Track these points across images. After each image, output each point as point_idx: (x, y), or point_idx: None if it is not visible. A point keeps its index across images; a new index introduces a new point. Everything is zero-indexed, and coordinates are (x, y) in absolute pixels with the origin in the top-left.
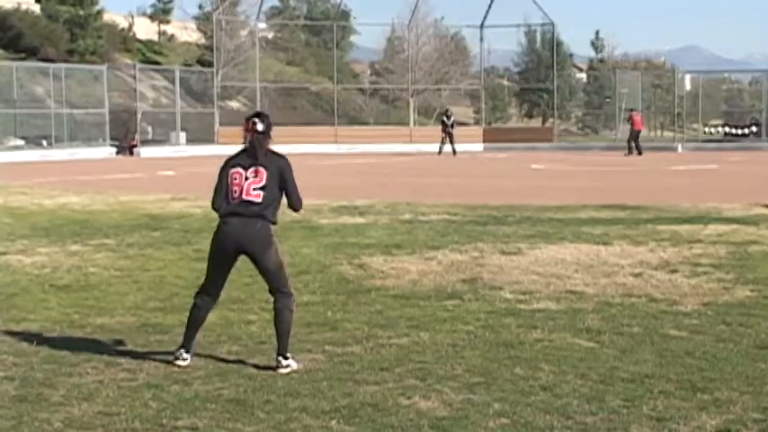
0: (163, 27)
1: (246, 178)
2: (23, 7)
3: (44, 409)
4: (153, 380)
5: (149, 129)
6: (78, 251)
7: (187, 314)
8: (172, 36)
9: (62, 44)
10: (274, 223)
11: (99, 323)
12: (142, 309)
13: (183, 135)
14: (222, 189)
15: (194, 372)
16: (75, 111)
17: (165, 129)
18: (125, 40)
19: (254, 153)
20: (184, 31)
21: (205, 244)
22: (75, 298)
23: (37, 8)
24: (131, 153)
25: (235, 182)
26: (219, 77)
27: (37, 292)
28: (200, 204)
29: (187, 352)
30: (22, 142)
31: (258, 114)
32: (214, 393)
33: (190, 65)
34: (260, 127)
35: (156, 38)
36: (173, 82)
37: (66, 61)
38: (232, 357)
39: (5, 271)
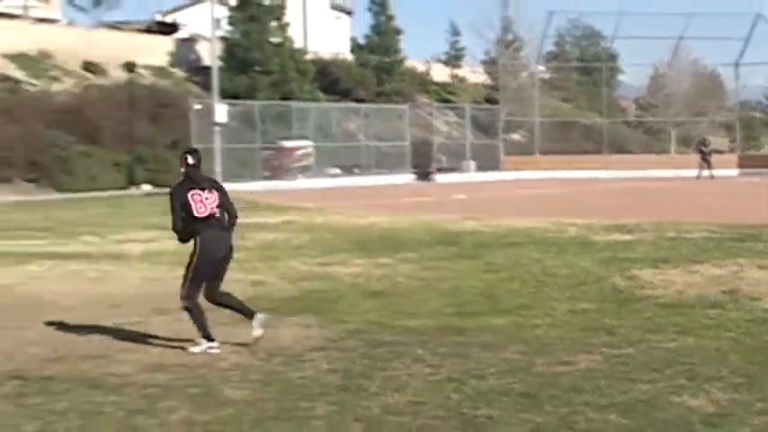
0: (455, 71)
1: (207, 198)
2: (340, 57)
3: (363, 397)
4: (453, 374)
5: (443, 158)
6: (387, 263)
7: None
8: (463, 78)
9: (371, 87)
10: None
11: (406, 325)
12: (441, 313)
13: (472, 163)
14: (177, 212)
15: (488, 368)
16: (381, 143)
17: (457, 158)
18: (423, 83)
19: (199, 179)
20: (473, 74)
21: (495, 257)
22: (385, 303)
23: (351, 57)
24: (428, 179)
25: (198, 201)
26: (504, 113)
27: (354, 298)
28: (489, 224)
29: (212, 340)
30: (338, 170)
31: (189, 151)
32: (507, 387)
33: (478, 102)
34: (191, 161)
35: (449, 80)
36: (463, 117)
37: (374, 102)
38: (520, 356)
39: (328, 279)
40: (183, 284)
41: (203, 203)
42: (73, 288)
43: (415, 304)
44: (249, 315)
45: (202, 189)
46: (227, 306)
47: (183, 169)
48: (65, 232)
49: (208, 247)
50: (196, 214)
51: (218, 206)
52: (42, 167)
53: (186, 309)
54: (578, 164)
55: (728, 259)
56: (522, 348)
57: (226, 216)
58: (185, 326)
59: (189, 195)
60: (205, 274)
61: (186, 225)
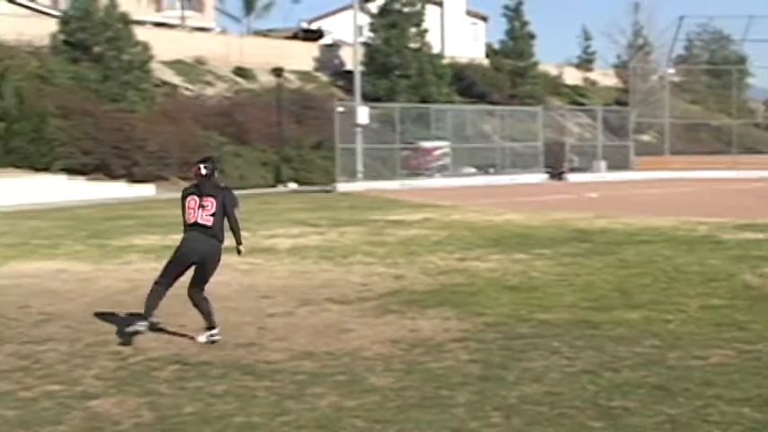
0: (587, 74)
1: (201, 206)
2: (475, 61)
3: (502, 387)
4: (589, 366)
5: (575, 158)
6: (522, 259)
7: (615, 314)
8: (594, 81)
9: (505, 90)
10: (221, 242)
11: (541, 318)
12: (576, 307)
13: (603, 164)
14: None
15: (622, 361)
16: (514, 144)
17: (588, 158)
18: (556, 86)
19: (204, 187)
20: (604, 77)
21: (626, 254)
22: (521, 297)
23: (486, 61)
24: (560, 178)
25: (190, 207)
26: (634, 115)
27: (491, 292)
28: (620, 221)
29: (145, 320)
30: (473, 170)
31: (203, 160)
32: (641, 380)
33: (609, 105)
34: (203, 171)
35: (581, 83)
36: (594, 119)
37: (507, 104)
38: (653, 350)
39: (466, 274)
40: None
41: (194, 210)
42: (226, 279)
43: (551, 298)
44: (208, 326)
45: (201, 196)
46: (195, 306)
47: (194, 176)
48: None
49: (182, 248)
50: (185, 219)
51: (212, 214)
52: None
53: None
54: (707, 164)
55: None
56: (654, 342)
57: (214, 225)
58: (332, 316)
59: (187, 200)
60: (173, 270)
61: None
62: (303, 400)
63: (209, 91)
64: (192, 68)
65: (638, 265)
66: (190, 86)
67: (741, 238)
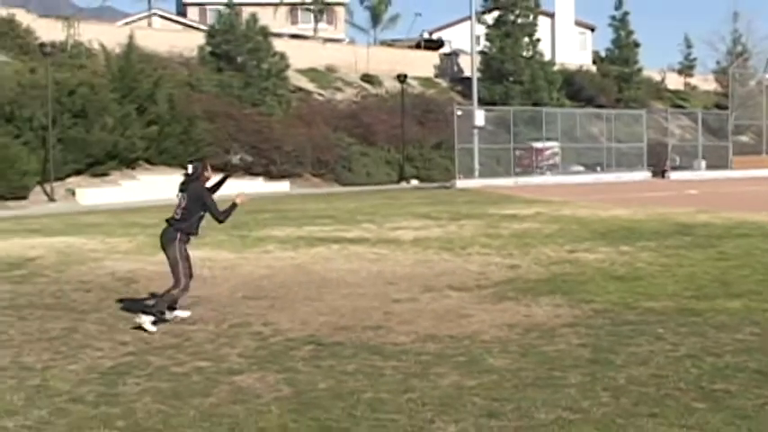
0: (688, 80)
1: (179, 202)
2: (584, 68)
3: (610, 369)
4: (692, 351)
5: (677, 158)
6: (627, 251)
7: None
8: (695, 86)
9: (611, 94)
10: (189, 233)
11: (647, 306)
12: (679, 296)
13: (703, 162)
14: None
15: (723, 347)
16: (620, 144)
17: (689, 158)
18: (658, 91)
19: (185, 184)
20: (704, 82)
21: (726, 247)
22: (627, 286)
23: (593, 68)
24: (663, 176)
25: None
26: (732, 117)
27: (599, 281)
28: (720, 216)
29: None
30: (581, 168)
31: (191, 161)
32: (742, 365)
33: (708, 108)
34: (189, 170)
35: (682, 88)
36: (695, 122)
37: (614, 107)
38: (753, 337)
39: (576, 264)
40: None
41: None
42: (355, 267)
43: (655, 288)
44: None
45: (181, 192)
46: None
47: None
48: (347, 220)
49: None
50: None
51: (183, 208)
52: (327, 164)
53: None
54: None
55: None
56: (754, 330)
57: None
58: (452, 302)
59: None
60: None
61: None
62: (427, 379)
63: (339, 96)
64: (323, 76)
65: (737, 257)
66: (322, 92)
67: None
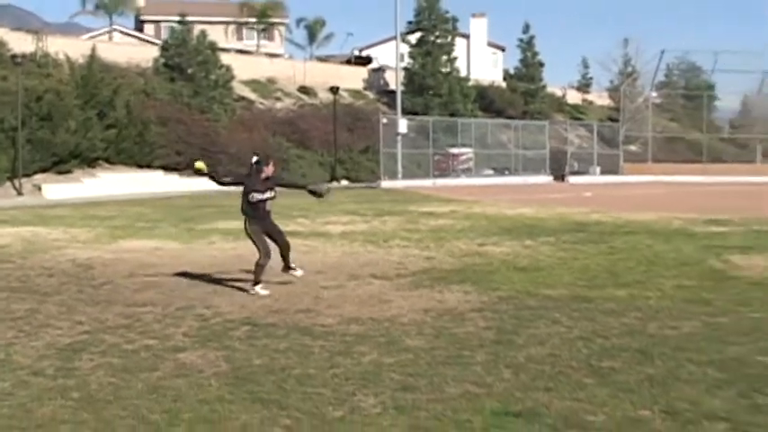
0: (585, 96)
1: None
2: (495, 83)
3: (512, 349)
4: (583, 333)
5: (575, 164)
6: (530, 245)
7: (605, 291)
8: (591, 101)
9: (519, 107)
10: (244, 212)
11: (545, 293)
12: (574, 285)
13: (598, 168)
14: None
15: (611, 330)
16: (526, 151)
17: (586, 164)
18: (560, 105)
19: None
20: (599, 98)
21: (615, 243)
22: (529, 276)
23: (503, 84)
24: (563, 180)
25: None
26: (623, 129)
27: (505, 271)
28: (611, 215)
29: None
30: (492, 172)
31: (255, 153)
32: (626, 345)
33: (603, 121)
34: (253, 160)
35: (580, 103)
36: (591, 132)
37: (521, 119)
38: (636, 321)
39: (484, 256)
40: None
41: None
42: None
43: (553, 278)
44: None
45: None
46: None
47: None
48: (283, 215)
49: None
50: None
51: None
52: None
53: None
54: (682, 171)
55: None
56: (637, 315)
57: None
58: (374, 289)
59: None
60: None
61: None
62: (350, 357)
63: (278, 105)
64: (264, 86)
65: (625, 251)
66: (263, 101)
67: (708, 230)
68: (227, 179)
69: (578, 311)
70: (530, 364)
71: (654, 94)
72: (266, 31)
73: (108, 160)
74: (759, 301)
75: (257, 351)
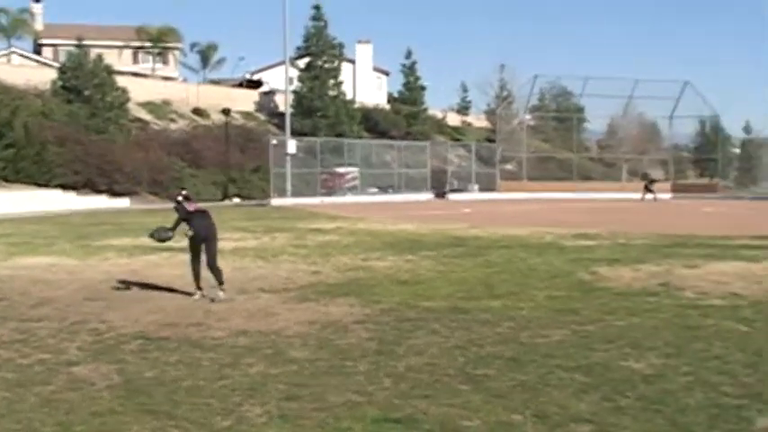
0: (464, 118)
1: None
2: (380, 106)
3: (393, 359)
4: (460, 343)
5: (455, 182)
6: (411, 259)
7: (482, 302)
8: (470, 123)
9: (402, 128)
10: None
11: (425, 305)
12: (452, 297)
13: (476, 186)
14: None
15: (485, 339)
16: (409, 170)
17: (465, 182)
18: (440, 126)
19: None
20: (478, 120)
21: (491, 257)
22: (410, 289)
23: (388, 106)
24: (444, 197)
25: None
26: (500, 149)
27: (387, 284)
28: (488, 230)
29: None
30: (376, 190)
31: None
32: (499, 353)
33: (481, 141)
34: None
35: (459, 124)
36: (470, 152)
37: (404, 139)
38: (509, 330)
39: (368, 270)
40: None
41: None
42: (179, 272)
43: (433, 290)
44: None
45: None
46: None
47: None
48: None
49: None
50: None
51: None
52: (161, 184)
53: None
54: (554, 188)
55: (663, 260)
56: (510, 324)
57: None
58: (263, 302)
59: None
60: None
61: None
62: (238, 368)
63: (173, 126)
64: (159, 108)
65: (500, 264)
66: (158, 122)
67: (577, 244)
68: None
69: (456, 322)
70: (409, 373)
71: (528, 116)
72: (161, 55)
73: (6, 179)
74: (624, 310)
75: (149, 364)
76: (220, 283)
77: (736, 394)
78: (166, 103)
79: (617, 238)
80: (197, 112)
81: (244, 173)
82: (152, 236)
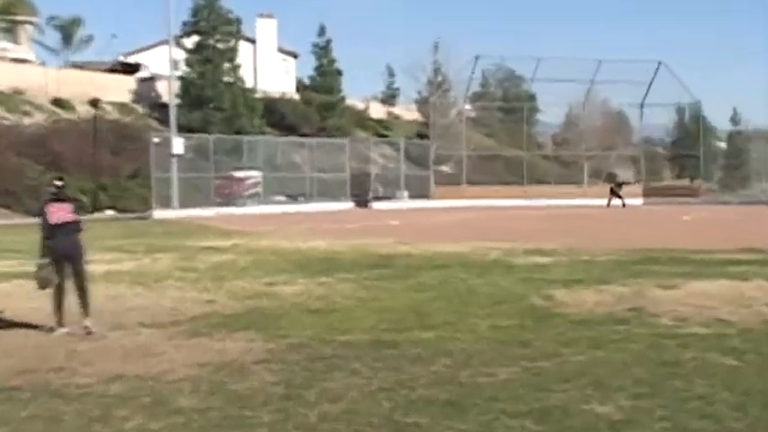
0: (390, 109)
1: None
2: (287, 95)
3: (303, 406)
4: (386, 385)
5: (380, 187)
6: (326, 282)
7: (412, 334)
8: (398, 116)
9: (315, 123)
10: None
11: (342, 340)
12: (376, 328)
13: (405, 192)
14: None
15: (417, 379)
16: (323, 174)
17: (392, 187)
18: (362, 119)
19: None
20: (407, 111)
21: (424, 278)
22: (324, 319)
23: (296, 96)
24: (366, 206)
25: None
26: (434, 147)
27: (296, 315)
28: (419, 248)
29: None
30: (284, 198)
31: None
32: (433, 397)
33: (411, 138)
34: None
35: (385, 117)
36: (398, 151)
37: (317, 136)
38: (446, 369)
39: (272, 297)
40: None
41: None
42: (36, 305)
43: (352, 321)
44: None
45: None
46: None
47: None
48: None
49: None
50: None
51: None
52: (15, 194)
53: None
54: (501, 193)
55: (632, 280)
56: (447, 361)
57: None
58: (143, 339)
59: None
60: None
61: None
62: (110, 423)
63: (27, 121)
64: (9, 98)
65: (434, 287)
66: (7, 116)
67: (529, 262)
68: None
69: (380, 360)
70: (323, 424)
71: (468, 106)
72: (10, 31)
73: None
74: (585, 342)
75: None
76: (88, 314)
77: None
78: (18, 92)
79: (577, 253)
80: (58, 103)
81: (118, 179)
82: (39, 281)
